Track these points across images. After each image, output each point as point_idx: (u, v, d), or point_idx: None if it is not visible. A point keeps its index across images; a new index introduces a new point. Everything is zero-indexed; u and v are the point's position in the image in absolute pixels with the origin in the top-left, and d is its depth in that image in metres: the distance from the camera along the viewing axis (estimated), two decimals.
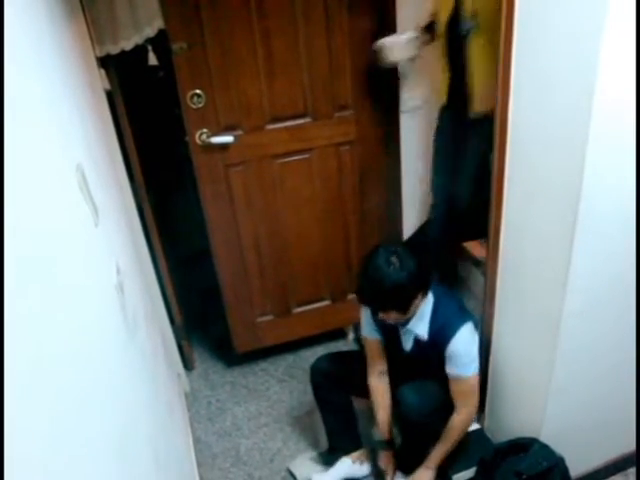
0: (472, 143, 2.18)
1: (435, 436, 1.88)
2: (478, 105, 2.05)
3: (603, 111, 1.27)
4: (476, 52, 1.94)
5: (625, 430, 1.91)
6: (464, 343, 1.72)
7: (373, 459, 2.06)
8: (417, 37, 2.11)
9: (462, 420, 1.83)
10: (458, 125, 2.21)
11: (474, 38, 1.92)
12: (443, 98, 2.21)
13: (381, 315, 1.71)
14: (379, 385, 1.94)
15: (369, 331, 1.89)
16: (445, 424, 1.85)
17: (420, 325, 1.75)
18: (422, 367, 1.82)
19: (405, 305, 1.66)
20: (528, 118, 1.50)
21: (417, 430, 1.88)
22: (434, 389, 1.81)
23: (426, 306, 1.74)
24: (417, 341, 1.79)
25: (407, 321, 1.75)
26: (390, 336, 1.85)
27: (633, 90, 1.27)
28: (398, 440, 2.01)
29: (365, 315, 1.88)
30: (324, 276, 2.57)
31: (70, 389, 0.71)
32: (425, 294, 1.71)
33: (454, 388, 1.79)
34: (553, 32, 1.34)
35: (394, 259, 1.60)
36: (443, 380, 1.78)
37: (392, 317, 1.70)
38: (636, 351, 1.72)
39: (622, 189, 1.42)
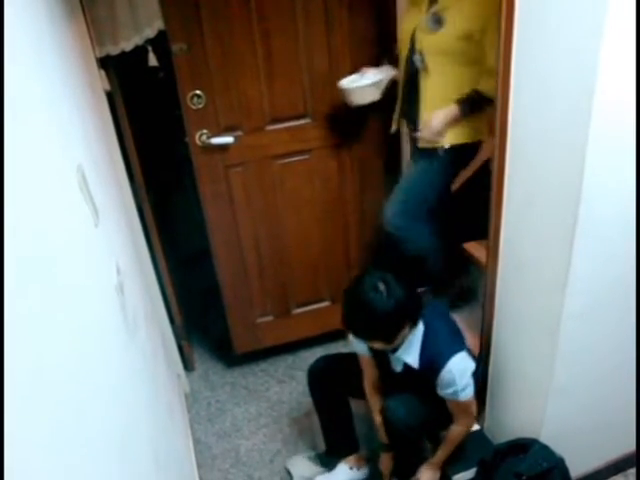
0: (421, 173, 2.19)
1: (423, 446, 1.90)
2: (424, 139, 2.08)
3: (603, 112, 1.27)
4: (424, 87, 1.99)
5: (625, 431, 1.91)
6: (455, 373, 1.65)
7: (373, 461, 2.06)
8: (382, 80, 2.10)
9: (460, 430, 1.83)
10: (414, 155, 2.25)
11: (423, 75, 1.98)
12: (394, 126, 2.22)
13: (367, 343, 1.69)
14: (375, 391, 1.92)
15: (359, 348, 1.84)
16: (434, 434, 1.86)
17: (410, 354, 1.70)
18: (413, 385, 1.78)
19: (391, 335, 1.59)
20: (528, 119, 1.50)
21: (405, 441, 1.86)
22: (421, 401, 1.78)
23: (415, 335, 1.67)
24: (407, 366, 1.74)
25: (395, 349, 1.70)
26: (380, 357, 1.82)
27: (633, 91, 1.27)
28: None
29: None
30: (324, 277, 2.57)
31: (70, 390, 0.71)
32: (414, 324, 1.64)
33: (449, 405, 1.77)
34: (553, 32, 1.34)
35: (381, 286, 1.52)
36: (432, 393, 1.73)
37: (377, 346, 1.65)
38: (636, 352, 1.72)
39: (622, 191, 1.42)
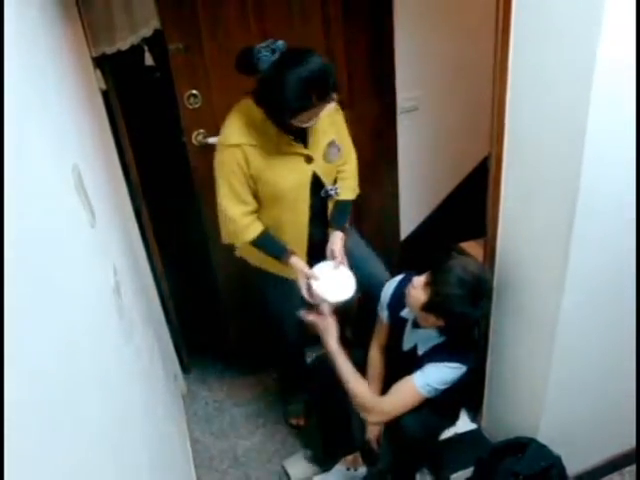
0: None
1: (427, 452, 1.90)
2: None
3: (601, 107, 1.27)
4: (331, 208, 1.93)
5: (622, 429, 1.92)
6: (440, 370, 1.66)
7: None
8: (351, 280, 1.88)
9: (367, 396, 1.71)
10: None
11: (332, 198, 1.90)
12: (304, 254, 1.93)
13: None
14: (377, 358, 1.94)
15: (382, 312, 1.90)
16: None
17: (425, 343, 1.74)
18: (409, 368, 1.77)
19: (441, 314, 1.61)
20: (525, 115, 1.50)
21: (416, 453, 1.88)
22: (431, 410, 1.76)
23: (439, 337, 1.71)
24: (414, 348, 1.77)
25: (418, 325, 1.74)
26: (397, 330, 1.85)
27: (632, 84, 1.26)
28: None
29: (384, 297, 1.88)
30: None
31: (65, 392, 0.71)
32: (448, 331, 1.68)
33: (398, 382, 1.72)
34: (552, 24, 1.34)
35: (467, 285, 1.55)
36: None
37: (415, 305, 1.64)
38: (636, 351, 1.72)
39: (621, 188, 1.42)
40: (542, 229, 1.56)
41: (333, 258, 1.89)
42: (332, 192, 1.86)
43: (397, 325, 1.84)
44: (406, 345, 1.82)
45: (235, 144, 1.66)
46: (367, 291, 2.10)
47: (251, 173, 1.69)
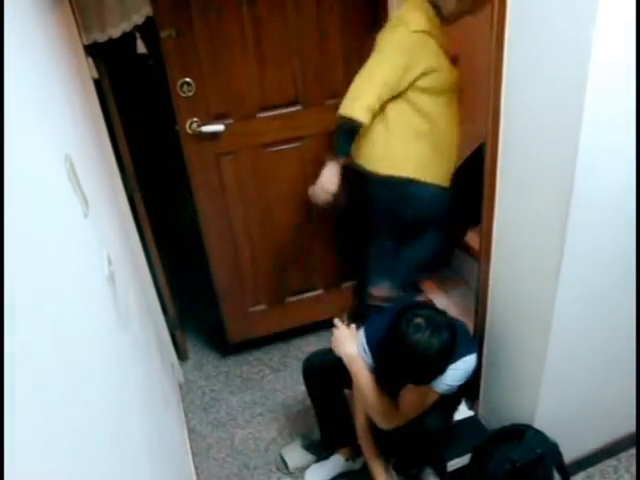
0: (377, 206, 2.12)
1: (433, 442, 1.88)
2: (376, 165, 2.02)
3: (597, 94, 1.26)
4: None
5: (618, 416, 1.93)
6: (457, 366, 1.63)
7: None
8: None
9: (388, 408, 1.67)
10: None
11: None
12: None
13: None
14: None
15: (363, 354, 1.77)
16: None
17: None
18: None
19: (425, 379, 1.57)
20: (521, 103, 1.49)
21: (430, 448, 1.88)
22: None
23: None
24: None
25: None
26: None
27: (628, 72, 1.26)
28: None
29: (360, 341, 1.77)
30: (317, 265, 2.56)
31: (63, 382, 0.70)
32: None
33: (410, 390, 1.66)
34: (548, 15, 1.32)
35: (424, 324, 1.47)
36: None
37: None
38: (636, 337, 1.72)
39: (615, 178, 1.41)
40: (538, 219, 1.56)
41: None
42: None
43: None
44: None
45: (420, 30, 1.76)
46: None
47: (430, 64, 1.79)
